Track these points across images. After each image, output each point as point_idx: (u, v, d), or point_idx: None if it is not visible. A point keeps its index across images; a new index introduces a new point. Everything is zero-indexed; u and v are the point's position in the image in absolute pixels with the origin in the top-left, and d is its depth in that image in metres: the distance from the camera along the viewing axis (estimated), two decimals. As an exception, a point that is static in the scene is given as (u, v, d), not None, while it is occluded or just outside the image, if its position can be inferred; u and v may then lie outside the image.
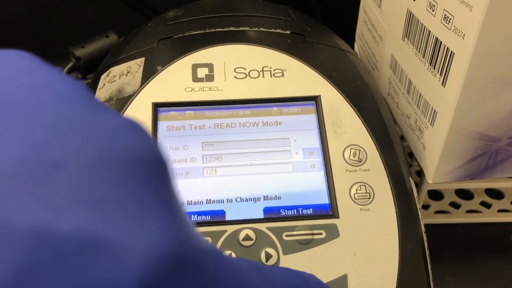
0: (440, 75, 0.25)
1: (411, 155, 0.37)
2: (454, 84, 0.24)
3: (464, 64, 0.23)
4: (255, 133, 0.25)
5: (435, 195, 0.37)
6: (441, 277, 0.32)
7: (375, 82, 0.31)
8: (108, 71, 0.28)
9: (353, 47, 0.36)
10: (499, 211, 0.36)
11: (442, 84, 0.25)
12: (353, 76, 0.29)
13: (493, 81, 0.23)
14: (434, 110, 0.25)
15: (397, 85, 0.30)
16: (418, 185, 0.32)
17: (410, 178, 0.26)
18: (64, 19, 0.49)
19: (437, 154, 0.26)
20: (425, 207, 0.36)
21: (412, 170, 0.37)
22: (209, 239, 0.22)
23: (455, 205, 0.36)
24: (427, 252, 0.24)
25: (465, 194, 0.37)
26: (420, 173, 0.33)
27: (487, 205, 0.36)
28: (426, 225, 0.35)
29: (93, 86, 0.28)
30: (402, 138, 0.31)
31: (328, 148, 0.25)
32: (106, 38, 0.40)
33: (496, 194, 0.37)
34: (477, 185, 0.35)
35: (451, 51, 0.23)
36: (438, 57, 0.25)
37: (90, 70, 0.41)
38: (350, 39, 0.37)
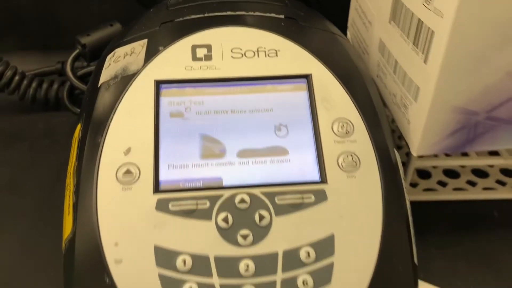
0: (422, 53, 0.26)
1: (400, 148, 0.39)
2: (434, 61, 0.25)
3: (444, 42, 0.25)
4: (250, 107, 0.27)
5: (424, 174, 0.39)
6: (427, 249, 0.34)
7: (365, 64, 0.33)
8: (113, 52, 0.30)
9: (346, 35, 0.38)
10: (484, 189, 0.37)
11: (424, 62, 0.26)
12: (344, 58, 0.30)
13: (471, 58, 0.25)
14: (417, 86, 0.27)
15: (385, 66, 0.32)
16: (406, 164, 0.34)
17: (395, 150, 0.28)
18: (69, 11, 0.51)
19: (421, 128, 0.28)
20: (414, 185, 0.38)
21: (402, 152, 0.39)
22: (207, 202, 0.24)
23: (443, 184, 0.38)
24: (409, 215, 0.26)
25: (452, 174, 0.39)
26: (408, 154, 0.35)
27: (473, 184, 0.38)
28: (414, 202, 0.37)
29: (100, 66, 0.30)
30: (393, 122, 0.33)
31: (318, 122, 0.27)
32: (110, 26, 0.42)
33: (481, 173, 0.39)
34: (465, 163, 0.37)
35: (432, 31, 0.25)
36: (421, 36, 0.26)
37: (95, 57, 0.43)
38: (343, 28, 0.39)
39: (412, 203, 0.36)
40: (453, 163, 0.36)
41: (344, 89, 0.28)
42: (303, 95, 0.28)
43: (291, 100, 0.28)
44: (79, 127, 0.28)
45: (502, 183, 0.38)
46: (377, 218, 0.25)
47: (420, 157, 0.35)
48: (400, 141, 0.40)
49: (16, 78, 0.44)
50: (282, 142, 0.27)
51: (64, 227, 0.26)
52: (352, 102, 0.28)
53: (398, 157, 0.28)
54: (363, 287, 0.23)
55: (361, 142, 0.27)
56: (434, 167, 0.39)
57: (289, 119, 0.27)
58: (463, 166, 0.39)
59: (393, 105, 0.31)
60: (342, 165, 0.26)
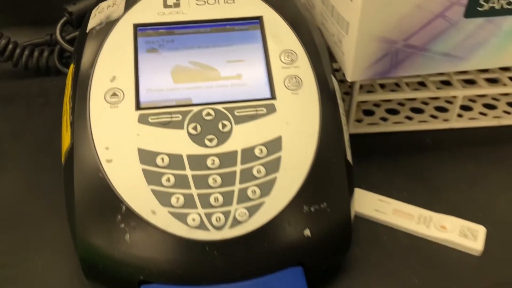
0: (349, -6, 0.33)
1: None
2: (358, -1, 0.32)
3: (363, -18, 0.31)
4: (213, 43, 0.33)
5: (368, 112, 0.45)
6: (368, 169, 0.40)
7: (311, 14, 0.40)
8: (98, 6, 0.36)
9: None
10: (420, 121, 0.44)
11: (350, 0, 0.33)
12: (291, 6, 0.37)
13: (386, -6, 0.32)
14: (347, 22, 0.34)
15: (326, 13, 0.38)
16: (350, 100, 0.41)
17: (333, 77, 0.34)
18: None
19: (352, 56, 0.34)
20: (359, 121, 0.44)
21: (348, 98, 0.46)
22: (180, 115, 0.30)
23: (384, 119, 0.44)
24: (343, 124, 0.32)
25: (393, 112, 0.45)
26: (351, 95, 0.41)
27: (410, 118, 0.45)
28: (360, 134, 0.43)
29: (87, 19, 0.36)
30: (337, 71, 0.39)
31: (268, 53, 0.33)
32: (93, -3, 0.48)
33: (418, 110, 0.46)
34: (398, 96, 0.43)
35: (355, -26, 0.32)
36: (348, -20, 0.33)
37: (81, 24, 0.48)
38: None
39: (357, 135, 0.43)
40: (390, 96, 0.42)
41: (290, 28, 0.35)
42: (257, 33, 0.34)
43: (247, 37, 0.34)
44: (72, 66, 0.34)
45: (435, 117, 0.45)
46: (315, 123, 0.31)
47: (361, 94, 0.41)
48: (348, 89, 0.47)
49: (10, 46, 0.49)
50: (240, 69, 0.33)
51: (62, 143, 0.32)
52: (297, 38, 0.34)
53: (335, 82, 0.34)
54: (304, 172, 0.30)
55: (303, 68, 0.33)
56: (377, 106, 0.45)
57: (245, 52, 0.33)
58: (402, 105, 0.46)
59: (333, 44, 0.38)
60: (287, 85, 0.32)
